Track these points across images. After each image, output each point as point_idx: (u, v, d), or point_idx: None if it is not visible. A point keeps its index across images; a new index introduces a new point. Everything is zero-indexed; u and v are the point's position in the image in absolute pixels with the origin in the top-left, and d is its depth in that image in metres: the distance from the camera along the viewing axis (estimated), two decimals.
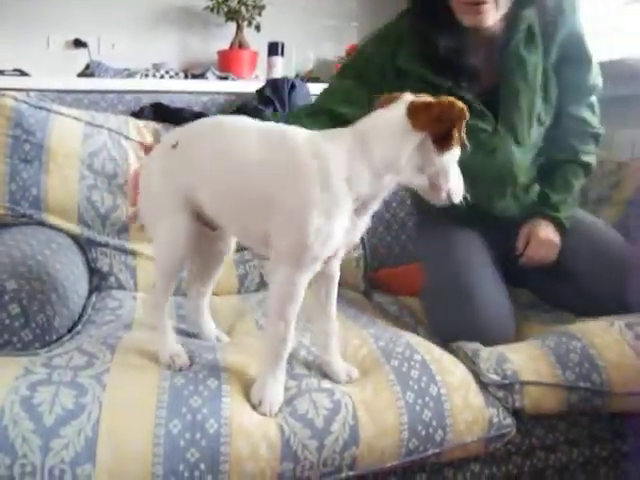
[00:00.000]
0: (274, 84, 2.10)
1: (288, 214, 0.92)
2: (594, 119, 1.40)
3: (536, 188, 1.40)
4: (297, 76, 2.54)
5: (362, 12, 2.84)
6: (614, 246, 1.33)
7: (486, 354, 1.13)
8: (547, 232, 1.34)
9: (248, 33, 2.64)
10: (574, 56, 1.31)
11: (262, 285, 1.63)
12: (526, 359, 1.12)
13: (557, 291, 1.38)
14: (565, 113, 1.36)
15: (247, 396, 0.98)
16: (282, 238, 0.94)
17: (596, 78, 1.37)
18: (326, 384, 1.03)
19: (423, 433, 1.00)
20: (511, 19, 1.26)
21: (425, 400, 1.02)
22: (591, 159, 1.39)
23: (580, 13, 1.32)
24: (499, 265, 1.35)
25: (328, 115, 1.32)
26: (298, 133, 0.97)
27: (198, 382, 0.98)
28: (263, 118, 1.95)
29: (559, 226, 1.35)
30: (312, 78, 2.51)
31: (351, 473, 0.98)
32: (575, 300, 1.32)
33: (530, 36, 1.27)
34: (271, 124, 1.03)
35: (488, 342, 1.18)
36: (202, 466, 0.89)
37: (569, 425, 1.15)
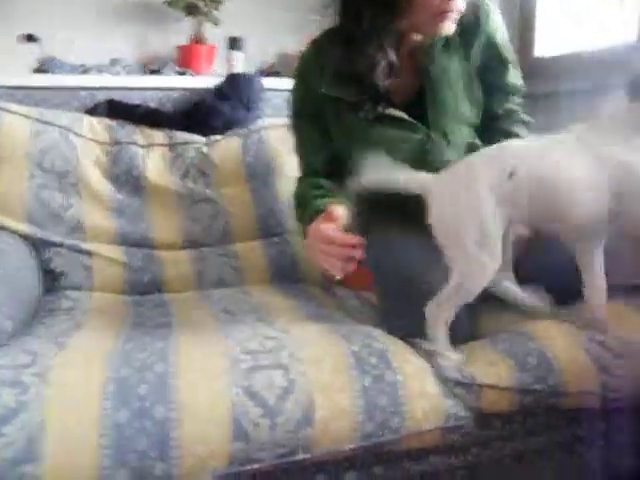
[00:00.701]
0: (232, 80, 2.08)
1: None
2: (520, 110, 1.46)
3: None
4: (258, 71, 2.52)
5: (323, 5, 2.82)
6: None
7: (448, 353, 1.12)
8: None
9: (208, 28, 2.61)
10: (494, 60, 1.38)
11: (220, 283, 1.63)
12: (485, 362, 1.12)
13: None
14: (493, 110, 1.42)
15: (196, 377, 0.97)
16: None
17: (516, 78, 1.44)
18: (283, 360, 1.03)
19: (379, 418, 1.00)
20: None
21: (382, 386, 1.03)
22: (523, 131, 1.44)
23: (497, 19, 1.38)
24: None
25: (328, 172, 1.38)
26: None
27: (145, 369, 0.97)
28: (220, 115, 1.97)
29: None
30: (273, 73, 2.49)
31: (307, 456, 0.97)
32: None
33: (449, 45, 1.33)
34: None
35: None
36: (152, 454, 0.88)
37: (525, 415, 1.16)
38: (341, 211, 1.22)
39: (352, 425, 0.99)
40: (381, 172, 1.13)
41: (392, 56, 1.27)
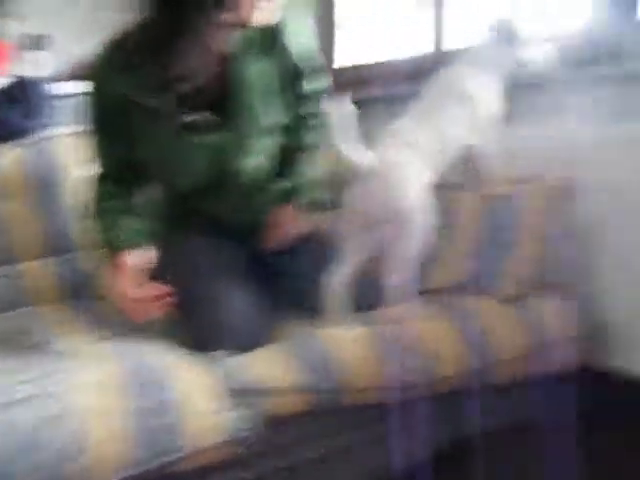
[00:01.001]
0: (19, 84, 1.91)
1: None
2: (321, 114, 1.45)
3: (277, 187, 1.43)
4: (64, 74, 2.34)
5: (129, 5, 2.70)
6: None
7: (229, 362, 1.11)
8: (289, 214, 1.41)
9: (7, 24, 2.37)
10: (299, 67, 1.37)
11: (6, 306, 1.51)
12: (270, 365, 1.11)
13: (300, 295, 1.37)
14: (300, 114, 1.42)
15: None
16: None
17: (324, 86, 1.45)
18: (53, 387, 0.96)
19: (154, 440, 0.95)
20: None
21: (156, 406, 0.98)
22: (317, 140, 1.48)
23: (303, 26, 1.39)
24: (255, 272, 1.37)
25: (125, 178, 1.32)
26: None
27: None
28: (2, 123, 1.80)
29: (301, 207, 1.43)
30: (76, 76, 2.33)
31: None
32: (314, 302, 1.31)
33: (251, 47, 1.29)
34: None
35: (236, 348, 1.17)
36: None
37: (312, 421, 1.16)
38: (142, 257, 1.25)
39: (125, 450, 0.93)
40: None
41: (201, 56, 1.20)
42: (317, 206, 1.48)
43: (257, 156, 1.34)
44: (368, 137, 1.27)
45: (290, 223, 1.42)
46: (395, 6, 2.20)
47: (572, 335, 1.39)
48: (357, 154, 1.21)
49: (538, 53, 1.40)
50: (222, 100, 1.29)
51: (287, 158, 1.44)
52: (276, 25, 1.29)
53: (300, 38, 1.36)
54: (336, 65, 2.38)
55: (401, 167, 1.24)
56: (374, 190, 1.22)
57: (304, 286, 1.34)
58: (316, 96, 1.45)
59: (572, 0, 1.64)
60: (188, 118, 1.25)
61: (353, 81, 2.23)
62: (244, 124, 1.30)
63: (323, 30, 2.40)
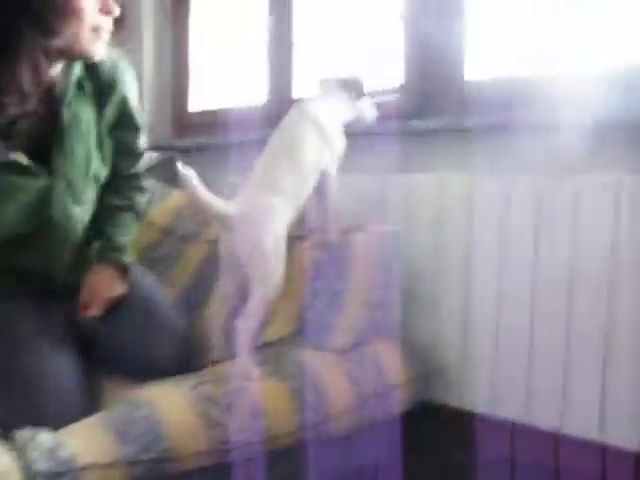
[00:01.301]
0: None
1: None
2: (144, 175, 1.50)
3: (96, 245, 1.38)
4: None
5: None
6: (163, 310, 1.38)
7: (41, 440, 1.00)
8: (108, 274, 1.36)
9: None
10: (127, 122, 1.37)
11: None
12: (85, 440, 1.03)
13: (122, 361, 1.33)
14: (122, 171, 1.43)
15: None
16: None
17: (144, 144, 1.46)
18: None
19: None
20: (65, 71, 1.21)
21: None
22: (143, 208, 1.51)
23: (134, 83, 1.39)
24: (75, 337, 1.29)
25: None
26: None
27: None
28: None
29: (121, 268, 1.39)
30: None
31: None
32: (137, 368, 1.29)
33: (82, 92, 1.26)
34: None
35: (56, 425, 1.07)
36: None
37: None
38: None
39: None
40: (198, 186, 1.18)
41: (27, 86, 1.10)
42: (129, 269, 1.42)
43: (79, 207, 1.28)
44: (217, 183, 1.31)
45: (106, 285, 1.36)
46: (246, 54, 2.24)
47: (408, 379, 1.43)
48: (218, 203, 1.20)
49: (371, 105, 1.48)
50: (46, 142, 1.22)
51: (107, 216, 1.41)
52: (107, 73, 1.28)
53: (129, 92, 1.36)
54: (190, 109, 2.39)
55: (263, 212, 1.24)
56: (238, 236, 1.22)
57: (127, 352, 1.29)
58: (139, 153, 1.45)
59: (397, 56, 1.73)
60: (7, 157, 1.16)
61: (206, 125, 2.24)
62: (69, 169, 1.24)
63: (177, 75, 2.39)
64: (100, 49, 1.17)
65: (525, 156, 1.44)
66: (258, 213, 1.24)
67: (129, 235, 1.44)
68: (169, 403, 1.12)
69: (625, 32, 1.38)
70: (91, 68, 1.25)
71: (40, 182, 1.21)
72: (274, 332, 1.36)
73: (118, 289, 1.37)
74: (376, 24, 1.86)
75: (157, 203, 1.73)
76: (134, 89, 1.39)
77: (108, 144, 1.34)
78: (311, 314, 1.35)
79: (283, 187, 1.27)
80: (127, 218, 1.44)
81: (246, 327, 1.20)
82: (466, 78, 1.62)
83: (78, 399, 1.19)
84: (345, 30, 1.94)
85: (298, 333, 1.36)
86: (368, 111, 1.48)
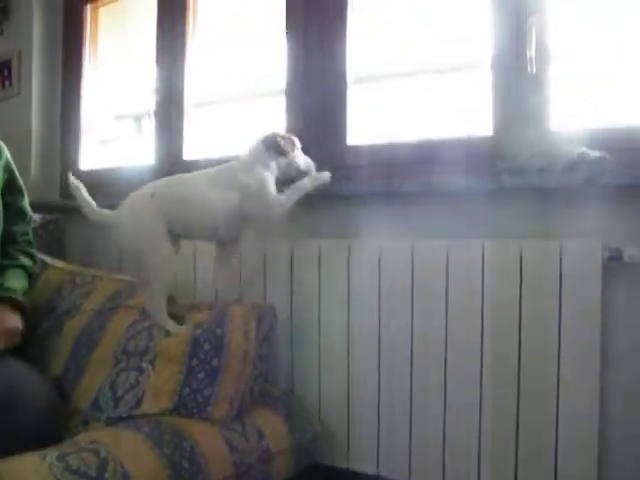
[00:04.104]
0: None
1: None
2: (34, 243, 1.63)
3: None
4: None
5: None
6: (21, 380, 1.33)
7: None
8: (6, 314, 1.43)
9: None
10: (14, 186, 1.56)
11: None
12: None
13: None
14: (14, 235, 1.55)
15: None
16: None
17: (28, 207, 1.62)
18: None
19: None
20: None
21: None
22: (32, 272, 1.59)
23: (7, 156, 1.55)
24: None
25: None
26: None
27: None
28: None
29: (14, 305, 1.46)
30: None
31: None
32: (4, 436, 1.21)
33: None
34: None
35: None
36: None
37: None
38: None
39: None
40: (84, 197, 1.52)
41: None
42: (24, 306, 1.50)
43: None
44: None
45: (7, 320, 1.43)
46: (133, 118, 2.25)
47: (292, 445, 1.42)
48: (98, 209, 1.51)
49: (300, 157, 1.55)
50: None
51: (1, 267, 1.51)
52: None
53: (10, 163, 1.54)
54: (83, 167, 2.34)
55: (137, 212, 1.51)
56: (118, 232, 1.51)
57: None
58: (29, 215, 1.60)
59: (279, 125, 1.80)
60: None
61: (96, 185, 2.20)
62: None
63: (66, 134, 2.35)
64: None
65: (401, 219, 1.52)
66: (134, 213, 1.49)
67: (20, 282, 1.50)
68: (31, 478, 1.04)
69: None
70: None
71: None
72: (153, 407, 1.32)
73: (11, 322, 1.43)
74: (260, 94, 1.93)
75: (38, 281, 1.71)
76: (9, 156, 1.55)
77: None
78: (189, 389, 1.34)
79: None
80: (17, 271, 1.52)
81: (154, 305, 1.47)
82: (348, 143, 1.70)
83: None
84: (231, 97, 2.00)
85: (177, 407, 1.32)
86: (295, 164, 1.54)
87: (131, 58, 2.26)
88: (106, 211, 1.51)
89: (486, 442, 1.37)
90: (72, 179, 1.49)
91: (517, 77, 1.44)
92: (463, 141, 1.53)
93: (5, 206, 1.51)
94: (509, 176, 1.38)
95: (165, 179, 1.57)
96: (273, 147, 1.48)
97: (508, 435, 1.34)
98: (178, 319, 1.47)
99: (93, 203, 1.50)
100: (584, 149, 1.31)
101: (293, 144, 1.52)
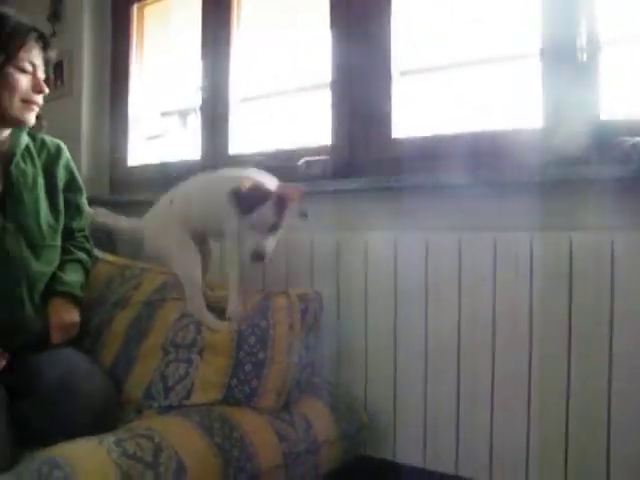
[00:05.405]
0: None
1: None
2: (89, 239, 1.70)
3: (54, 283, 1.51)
4: None
5: None
6: (80, 370, 1.38)
7: None
8: (57, 304, 1.49)
9: None
10: (74, 184, 1.63)
11: None
12: None
13: (44, 417, 1.31)
14: (73, 224, 1.62)
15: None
16: None
17: (85, 203, 1.68)
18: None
19: None
20: (15, 138, 1.49)
21: None
22: (88, 266, 1.65)
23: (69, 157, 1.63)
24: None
25: None
26: None
27: None
28: None
29: (70, 299, 1.51)
30: None
31: None
32: (54, 427, 1.27)
33: (30, 156, 1.52)
34: None
35: None
36: None
37: None
38: None
39: None
40: (109, 217, 1.68)
41: None
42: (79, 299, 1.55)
43: (31, 246, 1.45)
44: None
45: (54, 313, 1.48)
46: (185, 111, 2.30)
47: (338, 435, 1.44)
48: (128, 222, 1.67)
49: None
50: (3, 193, 1.44)
51: (66, 259, 1.58)
52: (51, 143, 1.58)
53: (71, 163, 1.63)
54: (131, 163, 2.41)
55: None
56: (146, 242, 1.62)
57: (55, 400, 1.29)
58: (84, 212, 1.66)
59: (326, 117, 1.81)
60: None
61: (144, 180, 2.26)
62: (19, 215, 1.44)
63: (115, 130, 2.42)
64: (31, 117, 1.45)
65: (447, 212, 1.51)
66: (156, 220, 1.59)
67: (77, 276, 1.56)
68: (91, 461, 1.08)
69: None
70: (38, 140, 1.55)
71: None
72: (202, 397, 1.35)
73: (70, 315, 1.49)
74: (305, 89, 1.94)
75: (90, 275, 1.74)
76: (70, 159, 1.64)
77: (60, 199, 1.56)
78: (236, 380, 1.36)
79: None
80: (75, 266, 1.58)
81: (194, 306, 1.49)
82: (393, 137, 1.70)
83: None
84: (276, 91, 2.02)
85: (226, 398, 1.35)
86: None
87: (176, 55, 2.30)
88: (135, 220, 1.64)
89: (535, 437, 1.35)
90: (91, 211, 1.65)
91: (567, 66, 1.42)
92: (511, 133, 1.51)
93: (68, 203, 1.59)
94: (559, 168, 1.36)
95: (183, 182, 1.61)
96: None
97: (557, 431, 1.32)
98: (218, 313, 1.48)
99: (122, 217, 1.66)
100: (638, 139, 1.28)
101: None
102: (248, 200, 1.34)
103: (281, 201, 1.37)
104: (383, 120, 1.71)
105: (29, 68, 1.41)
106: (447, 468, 1.46)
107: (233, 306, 1.45)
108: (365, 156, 1.58)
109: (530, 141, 1.46)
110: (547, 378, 1.34)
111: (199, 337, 1.44)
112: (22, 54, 1.39)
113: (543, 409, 1.34)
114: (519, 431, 1.37)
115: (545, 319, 1.34)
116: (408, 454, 1.52)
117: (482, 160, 1.49)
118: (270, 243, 1.39)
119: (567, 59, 1.42)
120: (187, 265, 1.52)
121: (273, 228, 1.38)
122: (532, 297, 1.35)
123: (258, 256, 1.37)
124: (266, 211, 1.35)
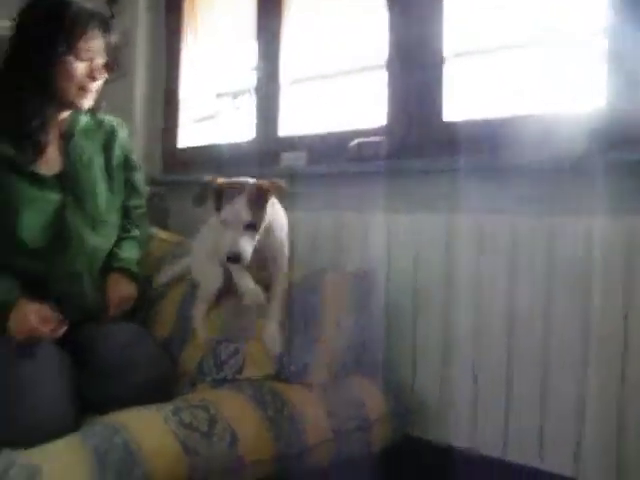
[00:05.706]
0: None
1: None
2: (146, 217, 1.75)
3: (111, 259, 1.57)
4: None
5: None
6: (138, 344, 1.44)
7: (16, 470, 1.00)
8: (114, 279, 1.54)
9: None
10: (130, 163, 1.67)
11: None
12: (62, 467, 1.03)
13: (102, 386, 1.36)
14: (130, 202, 1.67)
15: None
16: None
17: (142, 182, 1.73)
18: None
19: None
20: (73, 118, 1.55)
21: None
22: (144, 241, 1.70)
23: (127, 136, 1.68)
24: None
25: None
26: None
27: None
28: None
29: (126, 274, 1.57)
30: None
31: None
32: (111, 398, 1.30)
33: (87, 134, 1.57)
34: None
35: (39, 432, 1.14)
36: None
37: None
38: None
39: None
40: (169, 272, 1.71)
41: (47, 116, 1.45)
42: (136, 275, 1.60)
43: (89, 221, 1.49)
44: None
45: (112, 287, 1.53)
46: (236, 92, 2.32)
47: (387, 414, 1.45)
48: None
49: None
50: (63, 170, 1.49)
51: (123, 237, 1.62)
52: (109, 124, 1.61)
53: (128, 143, 1.67)
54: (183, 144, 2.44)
55: None
56: None
57: (112, 371, 1.34)
58: (143, 191, 1.72)
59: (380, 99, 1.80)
60: (29, 168, 1.43)
61: (195, 161, 2.30)
62: (77, 189, 1.49)
63: (167, 112, 2.46)
64: (86, 102, 1.50)
65: (501, 196, 1.49)
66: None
67: (134, 253, 1.61)
68: (149, 429, 1.13)
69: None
70: (97, 120, 1.60)
71: (54, 195, 1.45)
72: (255, 372, 1.38)
73: (127, 290, 1.55)
74: (352, 71, 1.93)
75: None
76: (128, 139, 1.68)
77: (116, 178, 1.60)
78: (288, 356, 1.38)
79: None
80: (131, 242, 1.63)
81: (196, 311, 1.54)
82: (445, 119, 1.68)
83: (63, 406, 1.25)
84: (330, 73, 2.02)
85: (278, 374, 1.38)
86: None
87: (229, 37, 2.32)
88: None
89: (589, 423, 1.33)
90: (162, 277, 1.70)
91: (633, 45, 1.37)
92: (573, 114, 1.48)
93: (126, 182, 1.63)
94: (622, 149, 1.32)
95: None
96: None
97: (611, 416, 1.30)
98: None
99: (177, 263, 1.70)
100: None
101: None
102: (218, 193, 1.32)
103: (258, 197, 1.32)
104: (434, 102, 1.69)
105: (88, 55, 1.44)
106: (496, 451, 1.45)
107: (271, 339, 1.40)
108: (418, 137, 1.56)
109: (593, 122, 1.42)
110: (605, 361, 1.31)
111: None
112: (82, 43, 1.42)
113: (600, 394, 1.32)
114: (570, 414, 1.35)
115: (603, 305, 1.31)
116: (456, 435, 1.52)
117: (540, 143, 1.46)
118: (246, 242, 1.30)
119: (633, 38, 1.37)
120: (207, 277, 1.54)
121: (249, 226, 1.31)
122: (592, 282, 1.32)
123: (233, 256, 1.29)
124: (237, 206, 1.29)
